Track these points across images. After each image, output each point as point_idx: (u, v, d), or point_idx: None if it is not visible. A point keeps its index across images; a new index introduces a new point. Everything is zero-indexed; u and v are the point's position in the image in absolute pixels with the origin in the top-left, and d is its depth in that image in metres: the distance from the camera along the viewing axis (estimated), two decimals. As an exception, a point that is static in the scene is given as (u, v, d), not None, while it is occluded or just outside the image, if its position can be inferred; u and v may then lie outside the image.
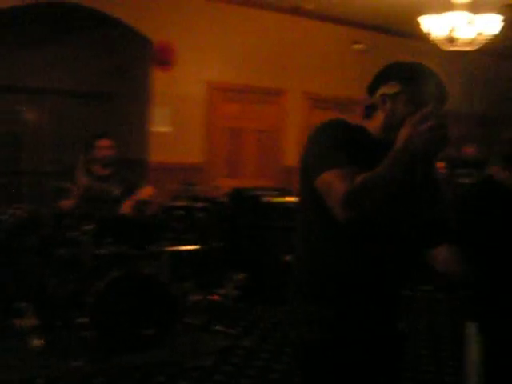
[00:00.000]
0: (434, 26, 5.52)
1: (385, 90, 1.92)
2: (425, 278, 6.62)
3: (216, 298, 5.20)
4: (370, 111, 1.99)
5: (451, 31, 5.45)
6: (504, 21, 5.56)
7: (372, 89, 1.99)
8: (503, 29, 5.63)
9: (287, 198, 6.22)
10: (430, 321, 5.74)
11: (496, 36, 5.56)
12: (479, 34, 5.47)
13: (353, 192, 1.67)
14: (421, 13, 5.66)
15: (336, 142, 1.84)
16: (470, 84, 8.33)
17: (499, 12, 5.51)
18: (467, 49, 5.59)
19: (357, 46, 7.65)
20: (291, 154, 7.35)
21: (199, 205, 5.65)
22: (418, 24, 5.69)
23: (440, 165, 7.08)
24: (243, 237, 6.24)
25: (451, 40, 5.52)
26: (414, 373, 4.32)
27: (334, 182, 1.73)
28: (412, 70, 1.98)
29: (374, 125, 1.95)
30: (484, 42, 5.54)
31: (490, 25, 5.44)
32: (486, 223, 2.37)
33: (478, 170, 6.54)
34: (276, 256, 5.95)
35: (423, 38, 5.86)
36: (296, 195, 2.10)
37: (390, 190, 1.70)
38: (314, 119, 7.53)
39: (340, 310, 1.87)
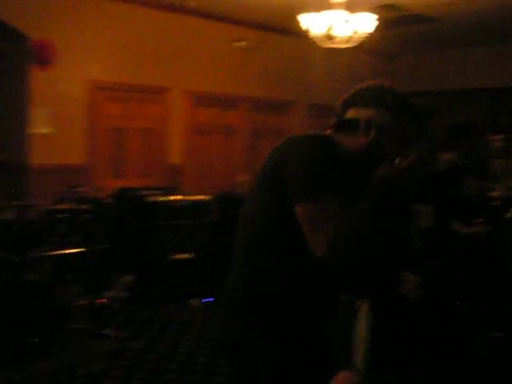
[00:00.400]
0: (313, 23, 5.65)
1: (372, 113, 1.84)
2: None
3: (104, 301, 5.06)
4: (345, 127, 1.90)
5: (329, 29, 5.60)
6: (379, 20, 5.79)
7: (351, 103, 1.91)
8: (378, 27, 5.86)
9: (173, 197, 6.18)
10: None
11: (371, 34, 5.77)
12: (355, 32, 5.66)
13: (338, 243, 1.60)
14: (300, 11, 5.78)
15: (327, 167, 1.70)
16: (348, 80, 8.64)
17: (374, 11, 5.73)
18: (345, 46, 5.77)
19: (239, 44, 7.70)
20: (176, 153, 7.31)
21: (84, 207, 5.48)
22: (297, 22, 5.80)
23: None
24: (130, 238, 6.13)
25: (329, 37, 5.68)
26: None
27: (321, 220, 1.63)
28: (406, 105, 1.90)
29: (351, 145, 1.85)
30: (360, 39, 5.74)
31: (365, 23, 5.64)
32: None
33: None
34: (163, 256, 5.90)
35: (303, 35, 5.99)
36: (244, 199, 2.01)
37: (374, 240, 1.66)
38: (198, 117, 7.52)
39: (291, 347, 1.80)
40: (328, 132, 1.92)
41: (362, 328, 2.72)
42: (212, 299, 5.93)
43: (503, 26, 7.43)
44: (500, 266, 4.51)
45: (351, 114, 1.89)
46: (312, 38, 5.80)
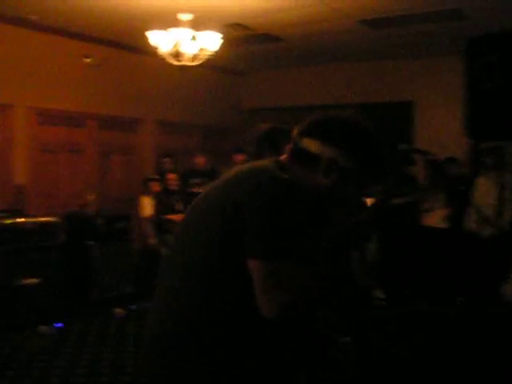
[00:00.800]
0: (161, 40, 5.65)
1: (337, 155, 1.66)
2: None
3: None
4: (302, 159, 1.71)
5: (177, 46, 5.63)
6: (226, 38, 5.91)
7: (312, 133, 1.71)
8: (225, 45, 5.98)
9: (17, 219, 5.86)
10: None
11: (218, 52, 5.87)
12: (201, 49, 5.74)
13: (286, 308, 1.57)
14: (149, 28, 5.75)
15: (291, 224, 1.58)
16: (198, 97, 8.72)
17: (219, 30, 5.84)
18: (191, 63, 5.82)
19: (87, 60, 7.50)
20: (21, 172, 6.93)
21: None
22: (146, 39, 5.77)
23: (172, 177, 7.29)
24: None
25: (177, 55, 5.71)
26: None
27: (273, 283, 1.56)
28: (377, 156, 1.75)
29: (309, 183, 1.69)
30: (206, 57, 5.82)
31: (211, 41, 5.73)
32: None
33: (209, 179, 6.88)
34: (8, 282, 5.57)
35: (152, 52, 5.97)
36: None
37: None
38: (43, 135, 7.19)
39: None
40: (283, 157, 1.76)
41: None
42: (62, 325, 5.68)
43: (335, 48, 7.86)
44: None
45: (311, 145, 1.69)
46: (161, 55, 5.80)
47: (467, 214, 6.73)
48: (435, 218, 7.03)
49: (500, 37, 3.58)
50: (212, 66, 8.15)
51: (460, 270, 6.72)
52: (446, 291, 6.76)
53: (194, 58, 5.75)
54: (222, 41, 5.77)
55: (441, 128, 8.14)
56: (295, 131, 1.73)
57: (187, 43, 5.61)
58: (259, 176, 1.64)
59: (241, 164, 2.03)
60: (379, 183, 1.78)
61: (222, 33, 5.77)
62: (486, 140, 5.66)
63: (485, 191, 6.73)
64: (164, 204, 7.21)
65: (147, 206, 7.30)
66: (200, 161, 7.84)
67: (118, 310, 6.21)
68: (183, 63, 5.72)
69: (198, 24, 5.78)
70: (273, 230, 1.56)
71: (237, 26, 6.85)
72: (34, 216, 6.16)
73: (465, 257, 6.71)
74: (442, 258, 6.89)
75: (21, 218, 5.94)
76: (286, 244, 1.56)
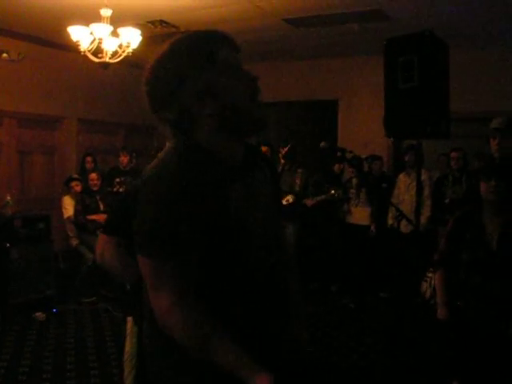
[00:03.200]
0: (83, 36, 5.50)
1: (189, 90, 1.55)
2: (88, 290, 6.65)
3: None
4: (184, 128, 1.61)
5: (98, 42, 5.50)
6: (147, 36, 5.81)
7: (163, 103, 1.62)
8: (147, 43, 5.88)
9: None
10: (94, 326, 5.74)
11: (140, 50, 5.76)
12: (121, 46, 5.62)
13: (168, 315, 1.51)
14: (70, 23, 5.58)
15: (173, 219, 1.48)
16: (121, 95, 8.55)
17: (142, 27, 5.74)
18: (112, 61, 5.69)
19: (4, 56, 7.22)
20: None
21: None
22: (67, 34, 5.60)
23: (94, 176, 7.13)
24: None
25: (98, 51, 5.58)
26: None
27: (160, 280, 1.51)
28: (191, 45, 1.59)
29: (205, 135, 1.60)
30: (126, 54, 5.71)
31: (130, 38, 5.62)
32: None
33: (133, 178, 6.78)
34: None
35: (73, 48, 5.80)
36: None
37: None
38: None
39: None
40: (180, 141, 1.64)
41: (129, 344, 2.72)
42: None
43: (261, 47, 7.89)
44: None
45: (163, 116, 1.65)
46: (82, 52, 5.63)
47: (389, 211, 6.90)
48: (358, 215, 7.17)
49: (418, 37, 3.66)
50: (134, 63, 8.01)
51: (383, 266, 6.89)
52: (369, 287, 6.92)
53: (114, 55, 5.63)
54: (141, 38, 5.67)
55: (364, 126, 8.31)
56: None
57: (108, 40, 5.48)
58: (147, 173, 1.60)
59: None
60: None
61: (145, 30, 5.68)
62: (405, 138, 5.82)
63: (404, 188, 6.92)
64: (86, 204, 7.05)
65: (69, 206, 7.12)
66: (123, 160, 7.69)
67: (39, 314, 6.02)
68: (103, 60, 5.58)
69: (119, 20, 5.67)
70: (151, 228, 1.50)
71: (161, 22, 6.75)
72: None
73: (386, 253, 6.88)
74: (365, 254, 7.04)
75: None
76: (170, 243, 1.49)
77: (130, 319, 2.70)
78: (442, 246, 3.40)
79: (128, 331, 2.72)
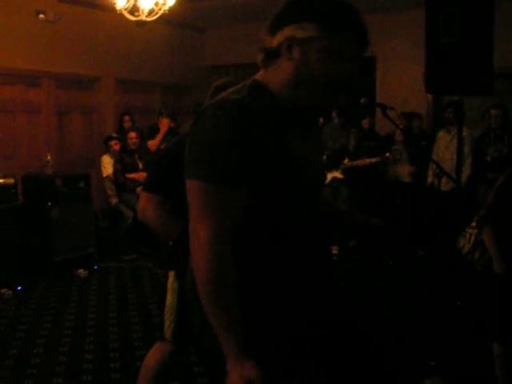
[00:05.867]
0: (118, -4, 5.48)
1: (294, 31, 1.48)
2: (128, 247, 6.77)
3: None
4: (268, 58, 1.58)
5: (134, 1, 5.47)
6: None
7: (274, 28, 1.53)
8: (178, 0, 5.81)
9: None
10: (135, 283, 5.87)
11: (175, 7, 5.70)
12: (157, 4, 5.58)
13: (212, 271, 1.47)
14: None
15: (228, 142, 1.45)
16: (157, 54, 8.54)
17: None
18: (149, 19, 5.66)
19: (41, 16, 7.23)
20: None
21: None
22: (102, -6, 5.58)
23: (132, 135, 7.17)
24: None
25: (134, 10, 5.55)
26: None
27: (205, 211, 1.47)
28: (336, 7, 1.52)
29: (275, 78, 1.56)
30: (162, 12, 5.66)
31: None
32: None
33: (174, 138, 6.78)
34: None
35: (109, 8, 5.78)
36: None
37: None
38: (2, 96, 6.97)
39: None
40: (259, 74, 1.63)
41: (169, 298, 2.75)
42: (20, 288, 5.61)
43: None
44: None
45: (272, 40, 1.54)
46: (118, 11, 5.61)
47: (429, 169, 6.81)
48: (399, 172, 7.09)
49: (460, -10, 3.54)
50: (171, 21, 7.97)
51: (421, 223, 6.83)
52: (408, 244, 6.88)
53: (151, 12, 5.59)
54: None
55: (403, 83, 8.14)
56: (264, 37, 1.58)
57: (143, -2, 5.45)
58: (204, 108, 1.56)
59: None
60: (359, 54, 1.56)
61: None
62: (446, 94, 5.68)
63: (444, 146, 6.80)
64: (125, 163, 7.11)
65: (108, 165, 7.20)
66: (165, 123, 7.51)
67: (81, 271, 6.16)
68: (140, 18, 5.56)
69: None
70: (207, 151, 1.46)
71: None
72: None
73: (426, 211, 6.81)
74: (406, 211, 6.99)
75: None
76: (221, 165, 1.45)
77: (171, 274, 2.72)
78: (491, 200, 3.31)
79: (169, 286, 2.74)
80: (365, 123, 7.39)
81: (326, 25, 1.47)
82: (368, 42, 1.58)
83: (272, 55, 1.55)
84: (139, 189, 6.55)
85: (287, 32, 1.49)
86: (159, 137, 7.24)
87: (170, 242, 2.67)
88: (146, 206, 2.67)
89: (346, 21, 1.51)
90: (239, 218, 1.52)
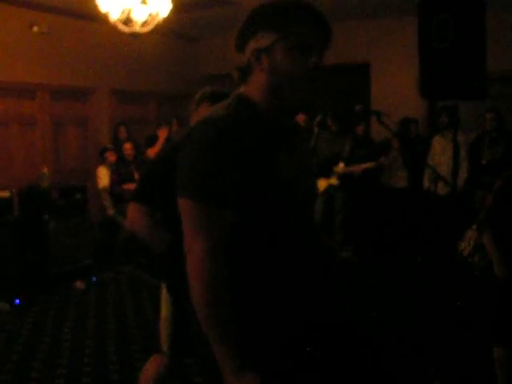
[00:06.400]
0: (112, 6, 5.47)
1: (257, 43, 1.57)
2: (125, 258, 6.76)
3: None
4: (244, 74, 1.65)
5: (126, 12, 5.46)
6: (174, 3, 5.75)
7: (240, 46, 1.63)
8: (177, 10, 5.82)
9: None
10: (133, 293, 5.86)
11: (169, 18, 5.71)
12: (151, 15, 5.58)
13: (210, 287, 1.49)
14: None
15: (217, 160, 1.48)
16: (152, 64, 8.55)
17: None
18: (142, 30, 5.66)
19: (35, 29, 7.24)
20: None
21: None
22: (96, 6, 5.57)
23: (128, 146, 7.17)
24: None
25: (128, 21, 5.55)
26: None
27: (198, 230, 1.49)
28: (282, 8, 1.58)
29: (255, 90, 1.62)
30: (156, 23, 5.66)
31: (160, 7, 5.57)
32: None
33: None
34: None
35: (103, 19, 5.78)
36: None
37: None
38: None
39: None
40: (242, 89, 1.67)
41: (164, 310, 2.75)
42: (17, 302, 5.58)
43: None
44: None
45: (244, 57, 1.63)
46: (112, 23, 5.61)
47: (425, 174, 6.82)
48: (395, 178, 7.11)
49: (452, -5, 3.56)
50: (165, 32, 7.99)
51: (418, 228, 6.84)
52: (406, 250, 6.89)
53: (145, 24, 5.59)
54: (171, 6, 5.61)
55: (397, 89, 8.17)
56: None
57: (137, 9, 5.45)
58: (193, 125, 1.61)
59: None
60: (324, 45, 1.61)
61: (172, -3, 5.62)
62: (440, 99, 5.70)
63: (440, 150, 6.82)
64: (121, 174, 7.11)
65: (104, 176, 7.20)
66: (163, 131, 7.54)
67: (78, 283, 6.15)
68: (133, 30, 5.56)
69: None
70: (197, 170, 1.50)
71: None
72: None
73: (422, 216, 6.82)
74: (401, 217, 7.00)
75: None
76: (212, 185, 1.48)
77: (164, 285, 2.73)
78: (489, 204, 3.30)
79: (163, 298, 2.75)
80: (359, 130, 7.41)
81: (281, 26, 1.54)
82: (328, 29, 1.62)
83: (246, 71, 1.62)
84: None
85: (252, 45, 1.58)
86: (158, 145, 7.26)
87: (158, 253, 2.67)
88: (133, 216, 2.65)
89: (298, 16, 1.56)
90: (233, 232, 1.53)
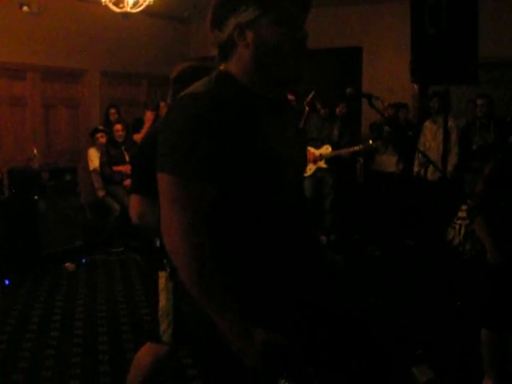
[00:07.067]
0: (102, -13, 5.44)
1: (239, 18, 1.53)
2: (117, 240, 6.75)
3: None
4: (225, 52, 1.60)
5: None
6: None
7: (218, 23, 1.59)
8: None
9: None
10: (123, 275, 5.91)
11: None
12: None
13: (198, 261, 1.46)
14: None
15: (195, 134, 1.45)
16: (143, 46, 8.49)
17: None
18: (133, 10, 5.63)
19: (25, 9, 7.17)
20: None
21: None
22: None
23: (118, 127, 7.12)
24: None
25: (119, 1, 5.52)
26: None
27: (176, 204, 1.47)
28: None
29: (240, 67, 1.58)
30: (147, 3, 5.63)
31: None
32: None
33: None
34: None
35: (94, 0, 5.74)
36: None
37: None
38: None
39: None
40: (222, 67, 1.63)
41: (163, 299, 2.69)
42: (7, 282, 5.58)
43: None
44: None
45: (219, 35, 1.60)
46: (103, 3, 5.58)
47: (415, 159, 6.84)
48: (385, 162, 7.13)
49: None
50: (157, 13, 7.93)
51: (408, 213, 6.87)
52: (396, 234, 6.93)
53: (136, 4, 5.56)
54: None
55: (389, 73, 8.16)
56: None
57: (128, -12, 5.42)
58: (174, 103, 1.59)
59: None
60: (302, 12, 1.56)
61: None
62: (432, 84, 5.71)
63: (430, 136, 6.83)
64: (112, 155, 7.08)
65: (95, 158, 7.17)
66: (149, 116, 7.46)
67: (68, 264, 6.15)
68: (124, 10, 5.53)
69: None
70: (174, 144, 1.48)
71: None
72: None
73: (413, 201, 6.85)
74: (392, 202, 7.03)
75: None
76: (191, 162, 1.46)
77: (162, 275, 2.66)
78: (480, 190, 3.27)
79: (161, 286, 2.67)
80: (338, 110, 7.30)
81: (263, 0, 1.51)
82: (309, 1, 1.59)
83: (228, 48, 1.58)
84: (127, 181, 6.52)
85: (233, 21, 1.53)
86: (144, 130, 7.20)
87: (158, 243, 2.62)
88: (142, 209, 2.54)
89: None
90: (214, 206, 1.52)
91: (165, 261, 2.60)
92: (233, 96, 1.54)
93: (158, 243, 2.65)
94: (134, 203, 2.59)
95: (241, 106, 1.53)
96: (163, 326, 2.69)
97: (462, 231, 3.53)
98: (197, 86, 1.56)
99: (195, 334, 1.69)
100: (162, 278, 2.67)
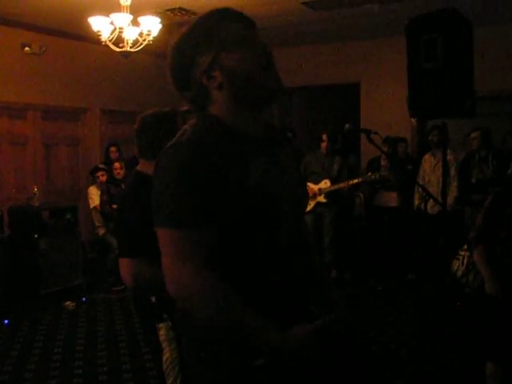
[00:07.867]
0: (103, 27, 5.52)
1: (200, 67, 1.56)
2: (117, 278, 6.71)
3: None
4: (200, 103, 1.62)
5: (118, 32, 5.51)
6: (165, 23, 5.80)
7: (183, 83, 1.61)
8: (166, 31, 5.87)
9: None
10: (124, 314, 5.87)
11: (160, 38, 5.76)
12: (141, 35, 5.63)
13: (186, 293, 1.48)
14: (89, 14, 5.60)
15: (185, 184, 1.45)
16: (143, 84, 8.57)
17: (158, 16, 5.73)
18: (133, 50, 5.70)
19: (27, 49, 7.27)
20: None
21: None
22: (87, 26, 5.62)
23: (118, 165, 7.14)
24: None
25: (119, 41, 5.59)
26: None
27: (178, 256, 1.47)
28: (200, 30, 1.60)
29: (222, 110, 1.59)
30: (146, 42, 5.71)
31: (151, 26, 5.62)
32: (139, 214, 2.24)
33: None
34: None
35: (94, 39, 5.82)
36: None
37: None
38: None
39: None
40: (202, 114, 1.63)
41: (168, 351, 2.63)
42: (7, 322, 5.54)
43: (281, 31, 7.83)
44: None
45: (193, 88, 1.61)
46: (103, 43, 5.66)
47: (415, 193, 6.85)
48: (385, 197, 7.13)
49: (440, 15, 3.60)
50: (156, 52, 8.02)
51: (409, 246, 6.85)
52: (397, 268, 6.89)
53: (135, 43, 5.64)
54: (161, 26, 5.66)
55: (387, 109, 8.24)
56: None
57: (128, 29, 5.50)
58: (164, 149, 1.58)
59: None
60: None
61: (164, 18, 5.68)
62: (429, 118, 5.75)
63: (429, 169, 6.86)
64: (111, 193, 7.10)
65: (95, 196, 7.18)
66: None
67: (68, 303, 6.10)
68: (124, 50, 5.59)
69: (138, 9, 5.68)
70: (167, 197, 1.47)
71: (180, 10, 6.73)
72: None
73: (413, 234, 6.84)
74: (393, 236, 7.01)
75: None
76: (183, 213, 1.46)
77: (161, 326, 2.61)
78: (480, 222, 3.30)
79: (163, 338, 2.63)
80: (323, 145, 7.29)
81: (211, 40, 1.55)
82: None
83: (201, 98, 1.60)
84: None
85: (196, 73, 1.57)
86: None
87: (153, 299, 2.57)
88: (134, 271, 2.47)
89: (216, 24, 1.58)
90: (216, 251, 1.52)
91: (165, 316, 2.57)
92: (218, 139, 1.53)
93: (153, 299, 2.59)
94: (125, 267, 2.52)
95: (227, 149, 1.52)
96: (170, 379, 2.63)
97: (465, 262, 3.52)
98: (181, 134, 1.56)
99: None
100: (162, 329, 2.62)
